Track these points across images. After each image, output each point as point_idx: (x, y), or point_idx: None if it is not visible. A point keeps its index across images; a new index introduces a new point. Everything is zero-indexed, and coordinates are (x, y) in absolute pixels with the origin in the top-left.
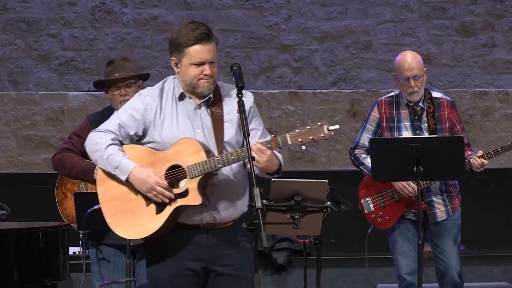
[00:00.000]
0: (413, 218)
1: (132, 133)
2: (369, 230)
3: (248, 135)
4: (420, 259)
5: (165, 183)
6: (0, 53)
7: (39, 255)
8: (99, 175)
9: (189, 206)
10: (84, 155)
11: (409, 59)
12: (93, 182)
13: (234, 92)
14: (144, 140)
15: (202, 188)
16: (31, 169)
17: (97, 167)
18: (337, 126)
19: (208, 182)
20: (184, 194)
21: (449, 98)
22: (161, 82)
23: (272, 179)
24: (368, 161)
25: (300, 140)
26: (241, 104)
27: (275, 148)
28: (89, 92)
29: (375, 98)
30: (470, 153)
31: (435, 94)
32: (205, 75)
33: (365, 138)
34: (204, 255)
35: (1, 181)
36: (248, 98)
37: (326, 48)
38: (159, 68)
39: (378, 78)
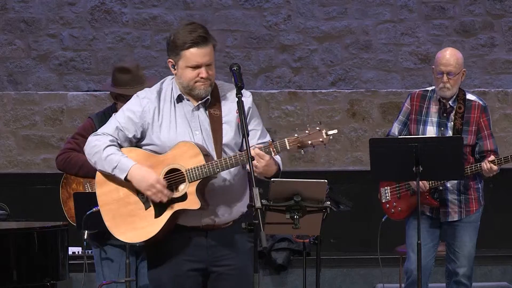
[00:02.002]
0: (429, 214)
1: (130, 135)
2: (383, 220)
3: (248, 135)
4: (419, 257)
5: (164, 182)
6: (0, 53)
7: (38, 255)
8: (97, 178)
9: (188, 210)
10: None
11: (448, 55)
12: None
13: (232, 92)
14: (143, 142)
15: (201, 191)
16: (30, 169)
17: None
18: (335, 131)
19: (207, 185)
20: (183, 198)
21: (481, 103)
22: (159, 84)
23: (272, 179)
24: None
25: (298, 145)
26: (240, 104)
27: (274, 153)
28: (88, 92)
29: (374, 98)
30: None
31: (469, 96)
32: (202, 78)
33: (396, 129)
34: (205, 256)
35: (1, 181)
36: (247, 98)
37: (325, 48)
38: (159, 68)
39: (378, 78)
